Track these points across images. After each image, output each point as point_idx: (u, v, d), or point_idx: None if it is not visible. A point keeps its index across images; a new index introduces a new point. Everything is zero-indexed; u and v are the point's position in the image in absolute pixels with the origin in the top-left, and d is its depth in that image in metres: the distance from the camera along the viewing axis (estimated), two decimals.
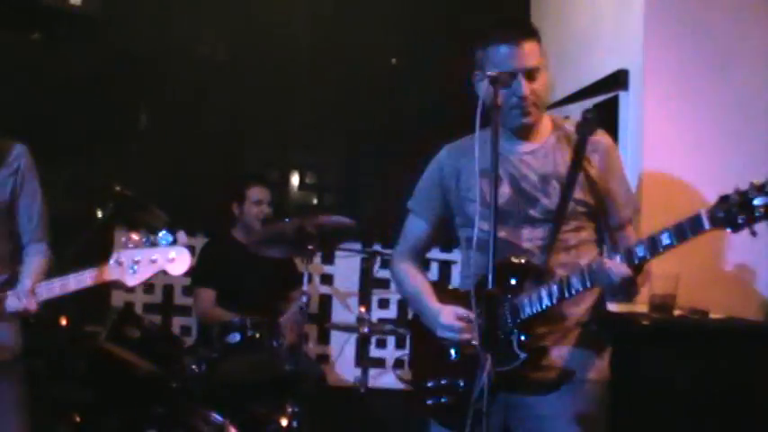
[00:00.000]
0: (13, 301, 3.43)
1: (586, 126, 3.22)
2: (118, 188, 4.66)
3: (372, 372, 5.50)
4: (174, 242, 3.29)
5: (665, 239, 2.74)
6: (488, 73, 3.01)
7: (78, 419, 4.88)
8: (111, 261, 3.33)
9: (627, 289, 2.93)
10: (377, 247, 6.06)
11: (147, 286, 6.41)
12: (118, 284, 3.37)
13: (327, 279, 6.64)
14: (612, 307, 3.63)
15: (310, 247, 4.90)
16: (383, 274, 5.95)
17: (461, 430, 2.92)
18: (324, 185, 7.05)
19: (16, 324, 3.68)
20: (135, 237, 3.34)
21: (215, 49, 6.87)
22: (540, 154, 3.24)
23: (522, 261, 3.12)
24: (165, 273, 3.29)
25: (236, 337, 4.87)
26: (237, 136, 6.61)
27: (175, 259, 3.29)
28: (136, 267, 3.30)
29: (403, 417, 4.63)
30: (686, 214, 2.69)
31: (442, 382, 3.30)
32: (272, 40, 6.59)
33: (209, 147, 6.54)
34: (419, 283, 3.49)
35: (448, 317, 3.21)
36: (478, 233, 3.11)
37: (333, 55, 6.63)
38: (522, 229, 3.18)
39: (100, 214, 4.80)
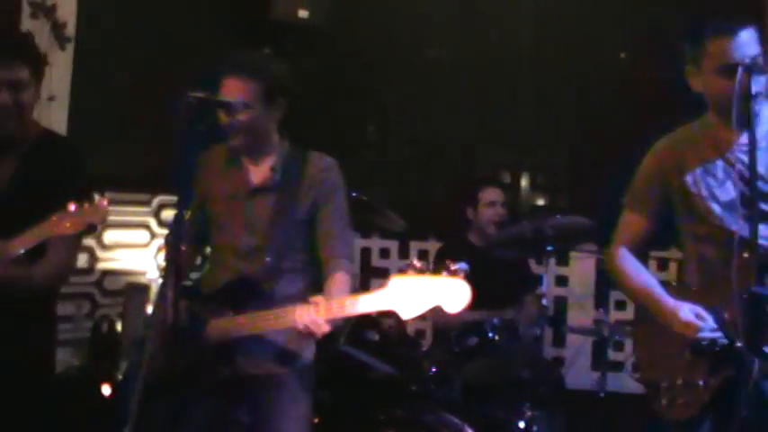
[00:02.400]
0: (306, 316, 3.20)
1: None
2: (353, 194, 4.73)
3: (610, 375, 5.35)
4: (457, 273, 2.88)
5: None
6: (745, 61, 3.00)
7: (317, 421, 4.99)
8: (387, 289, 2.97)
9: None
10: None
11: None
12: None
13: (562, 281, 6.52)
14: None
15: (549, 248, 4.83)
16: None
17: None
18: (555, 185, 6.94)
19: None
20: (416, 263, 2.93)
21: (441, 52, 6.89)
22: (763, 146, 3.10)
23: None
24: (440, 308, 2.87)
25: (473, 340, 4.84)
26: (466, 138, 6.59)
27: (453, 294, 2.86)
28: (411, 299, 2.90)
29: (644, 423, 4.47)
30: None
31: (678, 381, 3.20)
32: (497, 38, 6.56)
33: (439, 150, 6.57)
34: (648, 280, 3.38)
35: (689, 314, 3.11)
36: (710, 230, 3.18)
37: (559, 51, 6.54)
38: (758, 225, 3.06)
39: None
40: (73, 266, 3.78)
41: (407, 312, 2.93)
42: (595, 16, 6.49)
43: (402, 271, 2.96)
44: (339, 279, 3.45)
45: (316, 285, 3.55)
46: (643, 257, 3.54)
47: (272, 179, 3.54)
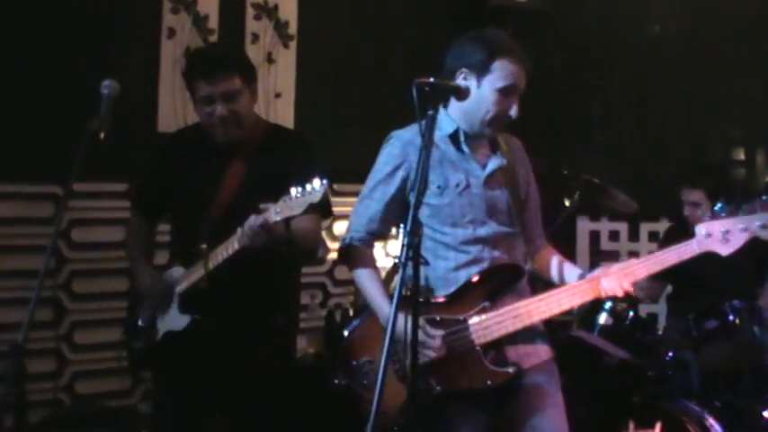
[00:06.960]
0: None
1: None
2: (585, 177, 4.65)
3: None
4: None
5: None
6: None
7: None
8: (700, 234, 3.32)
9: None
10: None
11: None
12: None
13: None
14: None
15: None
16: None
17: None
18: None
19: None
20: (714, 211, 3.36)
21: (664, 27, 6.67)
22: None
23: None
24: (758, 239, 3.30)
25: (712, 323, 4.63)
26: (695, 114, 6.35)
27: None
28: (728, 236, 3.30)
29: None
30: None
31: None
32: (721, 8, 6.28)
33: (668, 128, 6.36)
34: None
35: None
36: None
37: None
38: None
39: (567, 203, 4.82)
40: (320, 238, 3.98)
41: (724, 249, 3.31)
42: None
43: (712, 215, 3.35)
44: (557, 258, 3.59)
45: None
46: None
47: (500, 160, 3.44)
